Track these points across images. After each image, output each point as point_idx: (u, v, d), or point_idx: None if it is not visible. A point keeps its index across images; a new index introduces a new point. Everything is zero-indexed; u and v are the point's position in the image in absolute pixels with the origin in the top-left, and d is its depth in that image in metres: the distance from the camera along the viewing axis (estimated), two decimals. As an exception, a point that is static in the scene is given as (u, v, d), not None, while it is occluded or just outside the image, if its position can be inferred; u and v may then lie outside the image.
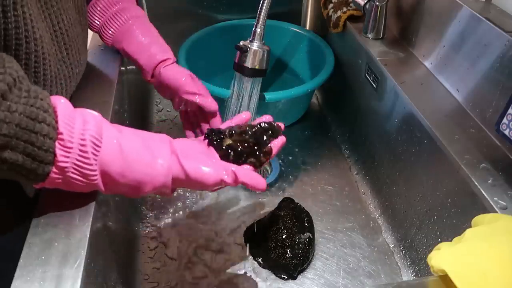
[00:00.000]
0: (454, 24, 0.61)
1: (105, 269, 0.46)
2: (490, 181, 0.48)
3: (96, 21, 0.65)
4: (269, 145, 0.50)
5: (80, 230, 0.41)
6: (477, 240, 0.36)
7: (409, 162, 0.63)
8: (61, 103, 0.39)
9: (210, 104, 0.64)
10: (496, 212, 0.45)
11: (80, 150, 0.38)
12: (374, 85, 0.72)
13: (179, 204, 0.74)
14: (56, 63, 0.48)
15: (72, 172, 0.38)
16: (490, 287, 0.32)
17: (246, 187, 0.46)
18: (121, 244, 0.58)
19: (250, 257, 0.66)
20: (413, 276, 0.62)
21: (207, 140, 0.49)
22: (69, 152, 0.37)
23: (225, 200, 0.75)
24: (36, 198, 0.45)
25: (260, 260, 0.65)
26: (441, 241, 0.46)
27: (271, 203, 0.73)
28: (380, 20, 0.73)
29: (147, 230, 0.70)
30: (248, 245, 0.67)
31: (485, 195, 0.47)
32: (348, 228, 0.70)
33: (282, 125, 0.54)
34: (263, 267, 0.64)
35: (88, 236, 0.40)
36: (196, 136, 0.70)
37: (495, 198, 0.46)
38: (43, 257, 0.38)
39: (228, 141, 0.48)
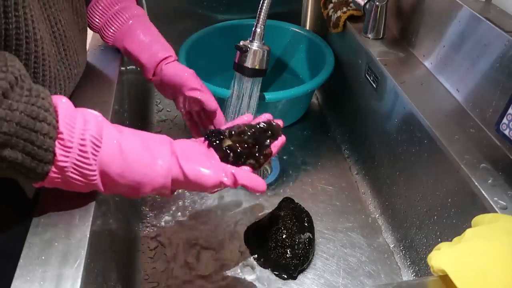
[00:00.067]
0: (454, 24, 0.61)
1: (105, 269, 0.46)
2: (490, 181, 0.48)
3: (96, 21, 0.65)
4: (269, 147, 0.50)
5: (80, 230, 0.41)
6: (477, 240, 0.36)
7: (409, 162, 0.63)
8: (62, 103, 0.39)
9: (212, 102, 0.64)
10: (496, 212, 0.45)
11: (80, 150, 0.38)
12: (374, 85, 0.72)
13: (179, 204, 0.74)
14: (56, 64, 0.48)
15: (72, 172, 0.38)
16: (490, 287, 0.32)
17: (246, 189, 0.46)
18: (121, 244, 0.58)
19: (250, 257, 0.66)
20: (413, 276, 0.62)
21: (207, 142, 0.49)
22: (69, 152, 0.37)
23: (225, 200, 0.75)
24: (36, 198, 0.45)
25: (260, 260, 0.65)
26: (441, 241, 0.46)
27: (271, 203, 0.73)
28: (380, 20, 0.73)
29: (147, 230, 0.70)
30: (248, 245, 0.67)
31: (485, 195, 0.47)
32: (348, 228, 0.70)
33: (281, 122, 0.54)
34: (263, 267, 0.64)
35: (88, 236, 0.40)
36: None
37: (495, 198, 0.46)
38: (43, 257, 0.38)
39: (228, 142, 0.48)
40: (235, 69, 0.73)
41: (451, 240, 0.38)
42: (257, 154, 0.48)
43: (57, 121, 0.37)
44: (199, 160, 0.45)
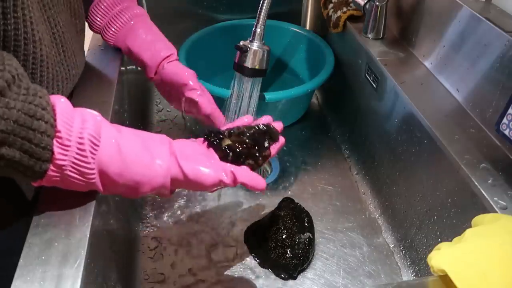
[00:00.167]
0: (454, 24, 0.61)
1: (105, 269, 0.46)
2: (490, 181, 0.48)
3: (98, 22, 0.65)
4: (268, 149, 0.50)
5: (80, 230, 0.41)
6: (477, 240, 0.36)
7: (409, 162, 0.63)
8: (60, 102, 0.39)
9: (207, 106, 0.63)
10: (496, 212, 0.45)
11: (78, 149, 0.38)
12: (374, 85, 0.72)
13: (179, 204, 0.74)
14: (55, 65, 0.48)
15: (70, 171, 0.38)
16: (490, 287, 0.32)
17: (245, 187, 0.46)
18: (121, 244, 0.58)
19: (250, 257, 0.66)
20: (413, 276, 0.62)
21: (206, 141, 0.49)
22: (67, 150, 0.37)
23: (225, 200, 0.75)
24: (36, 196, 0.45)
25: (260, 260, 0.65)
26: (441, 241, 0.46)
27: (271, 203, 0.73)
28: (380, 20, 0.73)
29: (147, 230, 0.70)
30: (248, 245, 0.67)
31: (485, 195, 0.47)
32: (348, 228, 0.70)
33: (280, 126, 0.54)
34: (263, 267, 0.64)
35: (88, 236, 0.40)
36: None
37: (495, 198, 0.46)
38: (43, 257, 0.38)
39: (227, 142, 0.49)
40: (235, 69, 0.73)
41: (451, 240, 0.38)
42: (256, 155, 0.49)
43: (55, 120, 0.37)
44: (199, 160, 0.45)
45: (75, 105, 0.41)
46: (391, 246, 0.68)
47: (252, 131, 0.50)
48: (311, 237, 0.65)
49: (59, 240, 0.40)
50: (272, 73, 1.01)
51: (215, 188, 0.46)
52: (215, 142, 0.48)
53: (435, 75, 0.65)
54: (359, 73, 0.79)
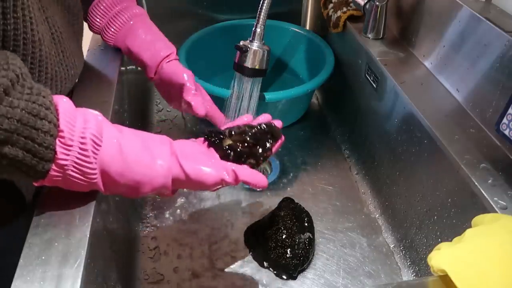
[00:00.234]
0: (454, 24, 0.61)
1: (105, 269, 0.46)
2: (490, 181, 0.48)
3: (97, 23, 0.65)
4: (270, 150, 0.50)
5: (80, 230, 0.41)
6: (477, 240, 0.36)
7: (409, 162, 0.63)
8: (63, 102, 0.39)
9: (200, 107, 0.62)
10: (496, 212, 0.45)
11: (80, 148, 0.38)
12: (374, 85, 0.72)
13: (179, 204, 0.74)
14: (55, 65, 0.49)
15: (72, 170, 0.38)
16: (490, 287, 0.32)
17: (247, 186, 0.47)
18: (121, 244, 0.58)
19: (250, 257, 0.66)
20: (413, 276, 0.62)
21: (207, 141, 0.49)
22: (69, 150, 0.37)
23: (225, 200, 0.75)
24: (36, 196, 0.45)
25: (260, 260, 0.65)
26: (441, 241, 0.46)
27: (271, 203, 0.73)
28: (380, 20, 0.73)
29: (147, 230, 0.70)
30: (248, 245, 0.67)
31: (485, 195, 0.47)
32: (348, 228, 0.70)
33: (280, 124, 0.54)
34: (263, 267, 0.64)
35: (88, 236, 0.40)
36: None
37: (495, 198, 0.46)
38: (43, 257, 0.38)
39: (228, 141, 0.49)
40: (235, 69, 0.73)
41: (451, 240, 0.38)
42: (257, 154, 0.49)
43: (57, 120, 0.37)
44: (200, 159, 0.45)
45: (75, 105, 0.41)
46: (391, 246, 0.68)
47: (254, 131, 0.50)
48: (311, 237, 0.65)
49: (59, 240, 0.40)
50: (272, 73, 1.01)
51: (216, 187, 0.46)
52: (215, 142, 0.48)
53: (435, 75, 0.65)
54: (359, 73, 0.79)
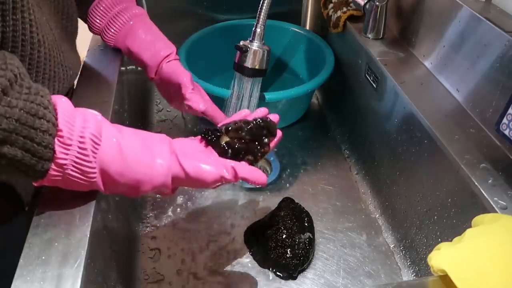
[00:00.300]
0: (454, 24, 0.61)
1: (105, 269, 0.46)
2: (490, 181, 0.48)
3: (97, 24, 0.65)
4: (268, 145, 0.50)
5: (80, 230, 0.41)
6: (477, 240, 0.36)
7: (409, 162, 0.63)
8: (62, 102, 0.39)
9: (198, 102, 0.62)
10: (496, 212, 0.45)
11: (80, 148, 0.38)
12: (374, 85, 0.72)
13: (179, 204, 0.74)
14: (55, 66, 0.49)
15: (71, 170, 0.38)
16: (490, 287, 0.32)
17: (246, 185, 0.47)
18: (121, 244, 0.58)
19: (250, 257, 0.66)
20: (413, 276, 0.62)
21: (204, 140, 0.49)
22: (68, 149, 0.37)
23: (225, 200, 0.75)
24: (35, 196, 0.45)
25: (260, 260, 0.65)
26: (441, 241, 0.46)
27: (271, 203, 0.73)
28: (380, 20, 0.73)
29: (147, 230, 0.70)
30: (248, 245, 0.67)
31: (485, 195, 0.47)
32: (348, 228, 0.70)
33: (276, 117, 0.54)
34: (263, 267, 0.64)
35: (88, 236, 0.40)
36: None
37: (495, 198, 0.46)
38: (43, 257, 0.38)
39: (226, 139, 0.49)
40: (235, 69, 0.73)
41: (451, 240, 0.38)
42: (255, 150, 0.49)
43: (56, 119, 0.37)
44: (199, 157, 0.45)
45: (75, 105, 0.41)
46: (391, 246, 0.68)
47: (250, 126, 0.50)
48: (311, 237, 0.65)
49: (59, 240, 0.40)
50: (272, 73, 1.01)
51: (216, 185, 0.46)
52: (213, 140, 0.48)
53: (435, 75, 0.65)
54: (359, 73, 0.79)
